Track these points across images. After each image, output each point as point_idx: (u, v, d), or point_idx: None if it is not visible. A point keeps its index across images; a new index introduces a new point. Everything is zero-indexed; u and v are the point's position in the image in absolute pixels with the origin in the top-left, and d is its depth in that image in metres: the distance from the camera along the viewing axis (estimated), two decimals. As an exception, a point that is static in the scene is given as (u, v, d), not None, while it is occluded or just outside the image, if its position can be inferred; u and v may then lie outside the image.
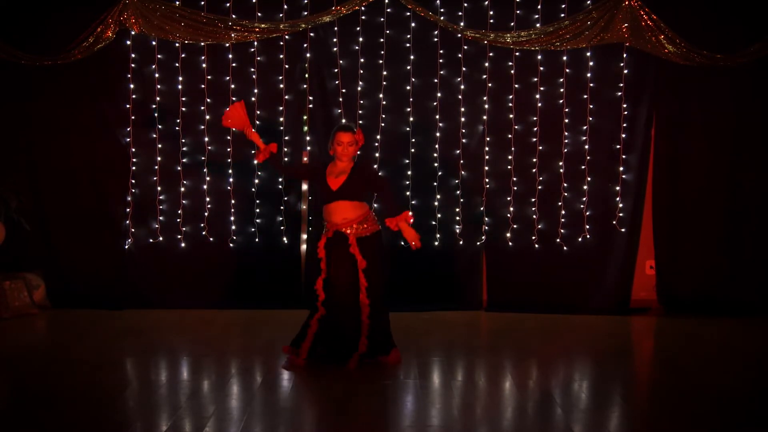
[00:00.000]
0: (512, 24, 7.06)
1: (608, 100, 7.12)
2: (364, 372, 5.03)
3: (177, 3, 6.95)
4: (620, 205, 7.14)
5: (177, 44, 7.05)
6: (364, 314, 5.13)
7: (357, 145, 5.25)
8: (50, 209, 7.15)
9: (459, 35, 7.05)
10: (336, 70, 7.10)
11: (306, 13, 7.03)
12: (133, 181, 7.14)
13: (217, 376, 5.01)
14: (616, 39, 6.92)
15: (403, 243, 7.14)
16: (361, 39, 7.10)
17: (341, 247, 5.14)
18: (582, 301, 7.15)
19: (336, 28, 7.08)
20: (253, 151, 7.06)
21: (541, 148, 7.15)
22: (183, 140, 7.13)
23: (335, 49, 7.09)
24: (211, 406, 4.38)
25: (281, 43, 7.09)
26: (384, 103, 7.12)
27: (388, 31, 7.09)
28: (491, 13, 7.07)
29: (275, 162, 5.40)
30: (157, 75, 7.08)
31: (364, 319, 5.13)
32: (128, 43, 7.04)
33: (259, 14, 7.01)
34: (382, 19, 7.07)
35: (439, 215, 7.20)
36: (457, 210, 7.20)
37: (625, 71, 7.07)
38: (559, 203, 7.16)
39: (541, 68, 7.10)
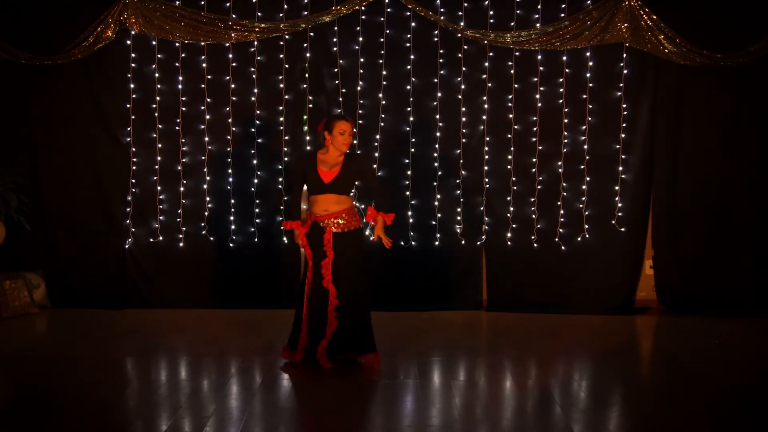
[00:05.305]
0: (512, 24, 7.05)
1: (608, 100, 7.11)
2: (364, 372, 5.03)
3: (177, 2, 6.95)
4: (619, 205, 7.14)
5: (177, 44, 7.05)
6: (330, 314, 5.03)
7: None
8: (50, 209, 7.15)
9: (459, 35, 7.04)
10: (336, 70, 7.10)
11: (306, 12, 7.03)
12: (133, 180, 7.14)
13: (217, 376, 5.01)
14: (616, 39, 6.93)
15: (402, 243, 7.17)
16: (361, 39, 7.09)
17: (317, 240, 5.09)
18: (582, 300, 7.14)
19: (336, 28, 7.07)
20: (254, 159, 7.08)
21: (541, 147, 7.14)
22: (183, 140, 7.13)
23: (335, 48, 7.09)
24: (211, 406, 4.38)
25: (281, 43, 7.08)
26: (384, 102, 7.12)
27: (388, 31, 7.08)
28: (491, 13, 7.07)
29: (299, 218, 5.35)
30: (157, 75, 7.08)
31: (330, 317, 5.03)
32: (128, 42, 7.04)
33: (259, 14, 7.01)
34: (382, 19, 7.07)
35: (439, 215, 7.20)
36: (458, 210, 7.20)
37: (625, 71, 7.07)
38: (559, 203, 7.16)
39: (541, 68, 7.10)
